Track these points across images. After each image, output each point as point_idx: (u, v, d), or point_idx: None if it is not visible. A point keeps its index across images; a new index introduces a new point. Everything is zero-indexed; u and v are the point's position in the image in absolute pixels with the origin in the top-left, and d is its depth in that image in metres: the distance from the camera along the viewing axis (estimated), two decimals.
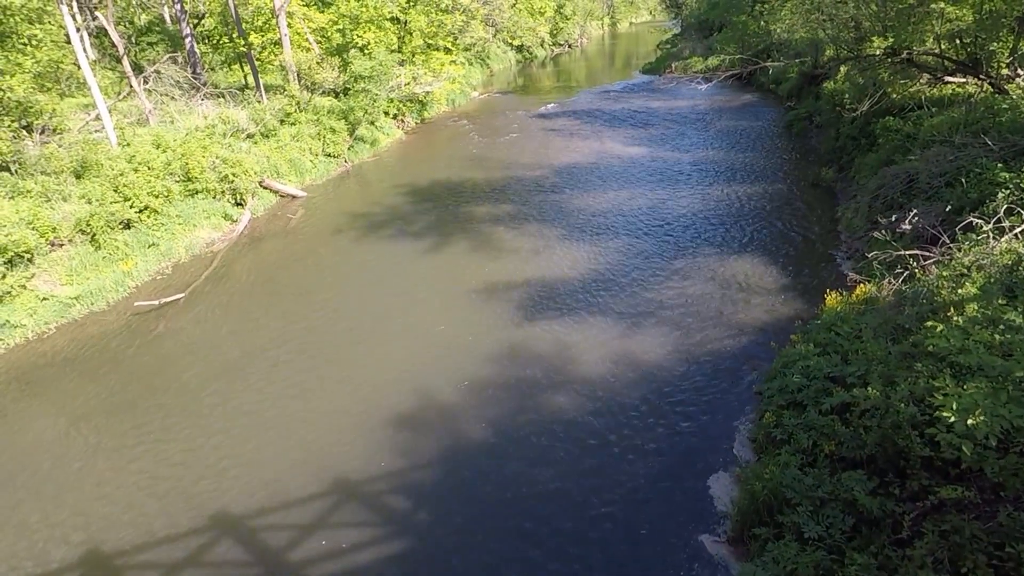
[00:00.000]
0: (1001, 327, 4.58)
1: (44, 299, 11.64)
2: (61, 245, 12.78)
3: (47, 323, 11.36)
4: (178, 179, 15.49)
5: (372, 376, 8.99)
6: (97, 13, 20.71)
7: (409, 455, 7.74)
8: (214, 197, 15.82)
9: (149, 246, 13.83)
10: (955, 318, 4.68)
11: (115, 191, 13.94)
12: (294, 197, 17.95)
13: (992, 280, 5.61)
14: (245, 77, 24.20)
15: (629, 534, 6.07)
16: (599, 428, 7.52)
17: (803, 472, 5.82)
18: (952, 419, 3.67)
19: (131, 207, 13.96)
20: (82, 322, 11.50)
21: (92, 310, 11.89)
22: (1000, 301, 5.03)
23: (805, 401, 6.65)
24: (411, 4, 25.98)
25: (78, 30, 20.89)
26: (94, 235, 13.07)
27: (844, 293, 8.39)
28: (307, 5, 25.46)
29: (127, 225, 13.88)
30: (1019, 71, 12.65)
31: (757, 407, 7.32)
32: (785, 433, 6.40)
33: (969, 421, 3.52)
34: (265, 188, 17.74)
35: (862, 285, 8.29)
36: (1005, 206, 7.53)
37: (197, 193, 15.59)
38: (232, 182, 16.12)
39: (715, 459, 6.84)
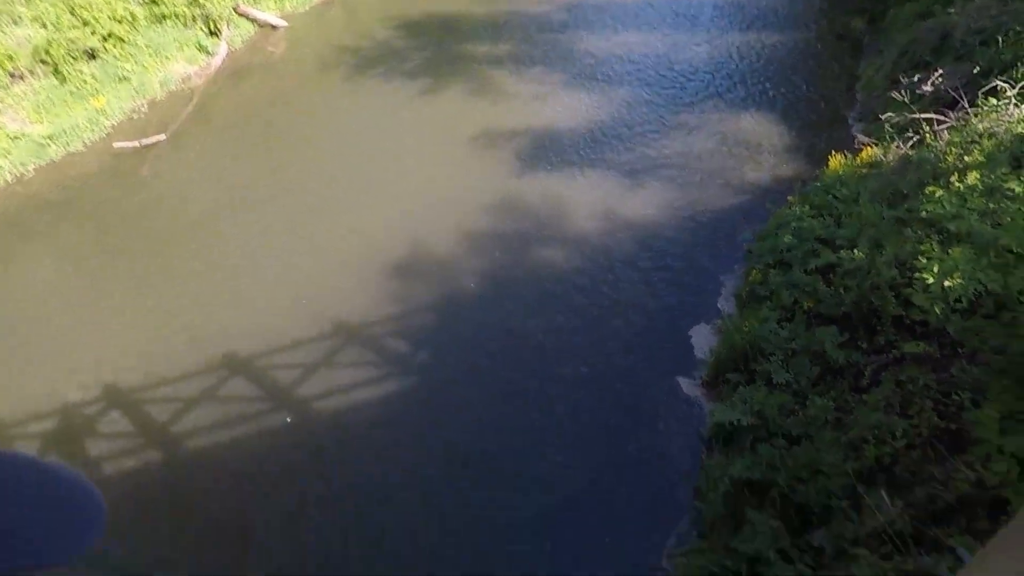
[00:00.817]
0: (998, 196, 4.62)
1: (16, 138, 11.20)
2: (22, 77, 12.00)
3: (24, 164, 11.03)
4: (141, 0, 14.14)
5: (366, 224, 9.06)
6: None
7: (406, 302, 8.09)
8: (184, 24, 14.54)
9: (120, 80, 12.99)
10: (956, 184, 4.70)
11: (71, 13, 12.78)
12: (274, 27, 16.53)
13: (1001, 148, 5.53)
14: None
15: (613, 376, 6.60)
16: (589, 281, 7.81)
17: (780, 326, 6.21)
18: (930, 281, 3.86)
19: (93, 33, 12.89)
20: (60, 164, 11.17)
21: (69, 151, 11.48)
22: (1003, 170, 5.01)
23: (792, 261, 6.87)
24: None
25: None
26: (56, 66, 12.22)
27: (849, 156, 8.27)
28: None
29: (92, 55, 12.93)
30: None
31: (746, 265, 7.57)
32: (768, 290, 6.70)
33: (946, 283, 3.71)
34: (241, 15, 16.27)
35: (869, 148, 8.14)
36: None
37: (165, 19, 14.29)
38: (202, 5, 14.72)
39: (700, 312, 7.22)
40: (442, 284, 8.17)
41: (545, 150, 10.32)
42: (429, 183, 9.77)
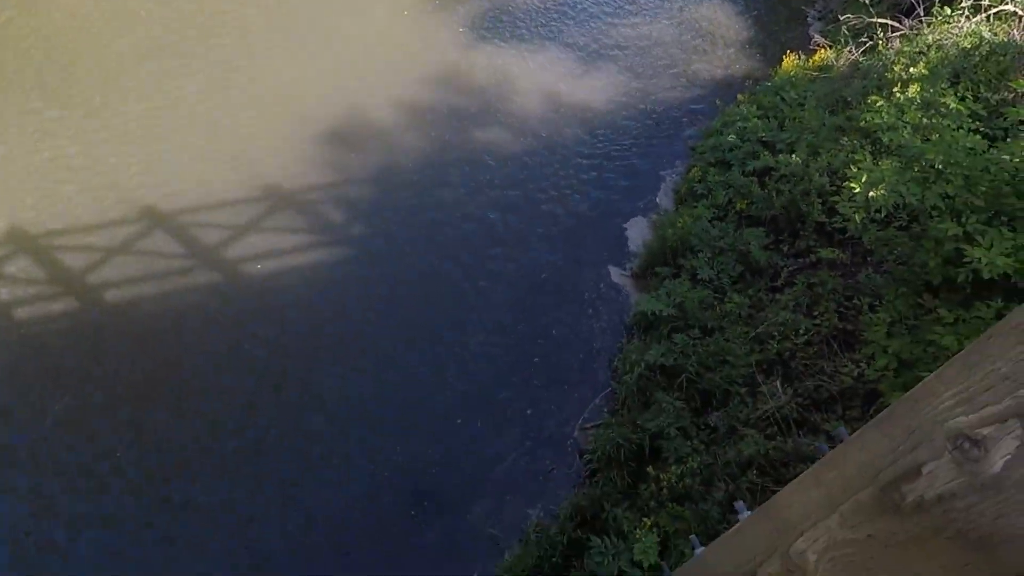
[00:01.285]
0: (932, 111, 4.70)
1: None
2: None
3: None
4: None
5: (302, 85, 8.32)
6: None
7: (343, 170, 7.69)
8: None
9: None
10: (897, 96, 4.73)
11: None
12: None
13: (945, 62, 5.56)
14: None
15: (546, 261, 6.68)
16: (532, 166, 7.64)
17: (712, 224, 6.37)
18: (856, 190, 3.98)
19: None
20: None
21: None
22: (943, 85, 5.07)
23: (733, 161, 6.93)
24: None
25: None
26: None
27: (803, 57, 8.14)
28: None
29: None
30: None
31: (688, 161, 7.58)
32: (706, 188, 6.79)
33: (871, 193, 3.83)
34: None
35: (823, 50, 8.02)
36: None
37: None
38: None
39: (637, 205, 7.28)
40: (379, 157, 7.78)
41: (497, 21, 9.57)
42: (371, 47, 8.95)
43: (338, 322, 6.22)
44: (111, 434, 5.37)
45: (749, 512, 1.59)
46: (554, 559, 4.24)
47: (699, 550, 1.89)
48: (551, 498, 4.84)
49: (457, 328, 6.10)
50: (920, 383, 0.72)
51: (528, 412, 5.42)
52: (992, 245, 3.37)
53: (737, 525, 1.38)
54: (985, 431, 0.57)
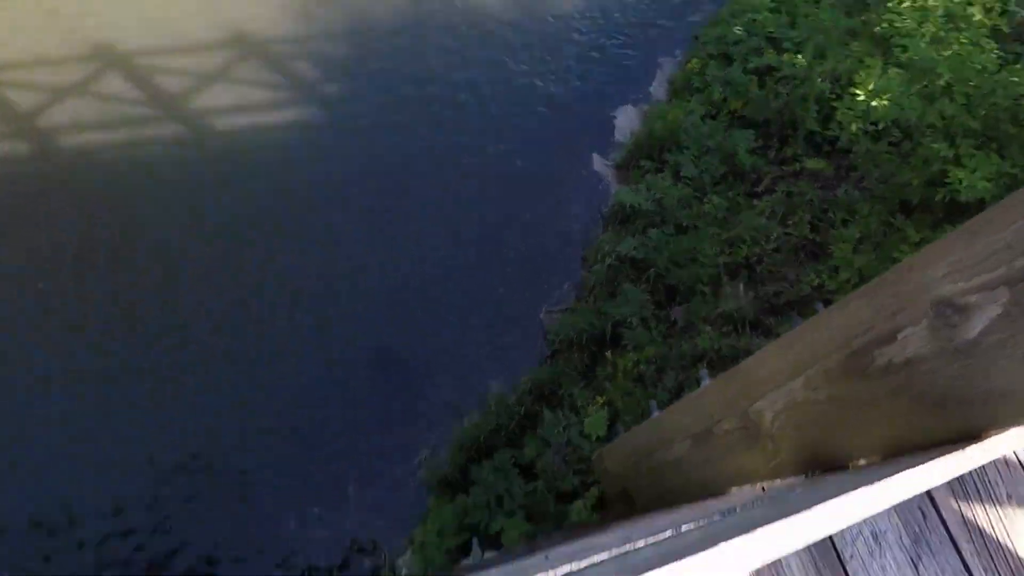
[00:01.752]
0: (952, 25, 4.49)
1: None
2: None
3: None
4: None
5: None
6: None
7: (316, 23, 7.10)
8: None
9: None
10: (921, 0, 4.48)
11: None
12: None
13: None
14: None
15: (527, 142, 6.48)
16: (522, 40, 7.17)
17: (703, 121, 6.20)
18: (861, 97, 3.87)
19: None
20: None
21: None
22: None
23: (735, 56, 6.61)
24: None
25: None
26: None
27: None
28: None
29: None
30: None
31: (688, 50, 7.20)
32: (703, 82, 6.52)
33: (874, 102, 3.74)
34: None
35: None
36: None
37: None
38: None
39: (630, 94, 6.99)
40: (354, 13, 7.16)
41: None
42: None
43: (307, 192, 6.02)
44: (55, 294, 5.27)
45: (710, 380, 1.69)
46: (510, 426, 4.52)
47: (656, 413, 2.01)
48: (512, 373, 5.06)
49: (431, 206, 5.99)
50: (918, 252, 0.74)
51: (497, 292, 5.50)
52: (976, 169, 3.38)
53: (699, 389, 1.47)
54: (972, 298, 0.58)
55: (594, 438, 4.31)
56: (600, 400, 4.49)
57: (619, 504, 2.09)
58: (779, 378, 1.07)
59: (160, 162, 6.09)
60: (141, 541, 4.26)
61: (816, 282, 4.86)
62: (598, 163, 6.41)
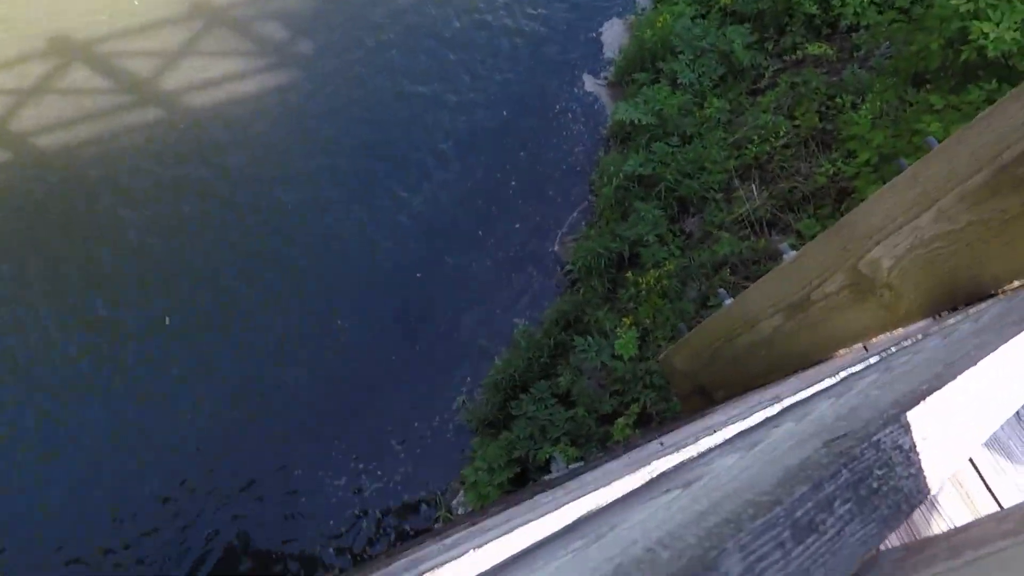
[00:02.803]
0: None
1: None
2: None
3: None
4: None
5: None
6: None
7: None
8: None
9: None
10: None
11: None
12: None
13: None
14: None
15: (515, 71, 6.24)
16: None
17: (693, 23, 5.92)
18: None
19: None
20: None
21: None
22: None
23: None
24: None
25: None
26: None
27: None
28: None
29: None
30: None
31: None
32: None
33: None
34: None
35: None
36: None
37: None
38: None
39: (614, 6, 6.67)
40: None
41: None
42: None
43: (294, 152, 5.87)
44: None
45: (792, 252, 1.61)
46: (542, 359, 4.53)
47: (727, 301, 1.94)
48: (536, 308, 5.04)
49: (427, 152, 5.83)
50: None
51: (507, 231, 5.42)
52: (1001, 20, 3.19)
53: (790, 258, 1.40)
54: None
55: (626, 358, 4.31)
56: (627, 321, 4.48)
57: (694, 399, 2.07)
58: (899, 220, 1.00)
59: (135, 149, 5.93)
60: (186, 523, 4.38)
61: (831, 171, 4.73)
62: (590, 83, 6.19)
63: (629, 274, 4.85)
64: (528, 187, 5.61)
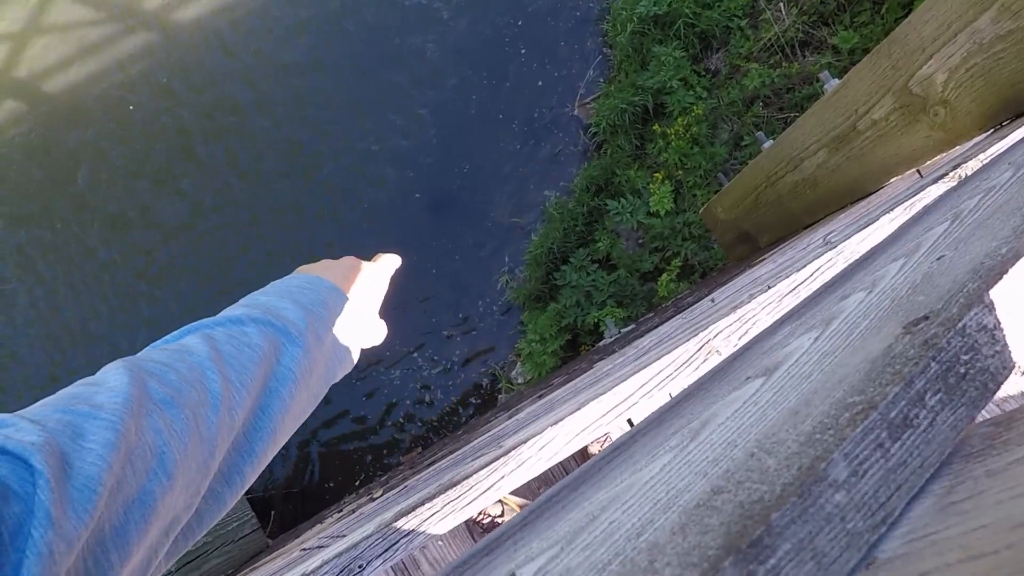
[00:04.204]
0: None
1: None
2: None
3: None
4: None
5: None
6: None
7: None
8: None
9: None
10: None
11: None
12: None
13: None
14: None
15: None
16: None
17: None
18: None
19: None
20: None
21: None
22: None
23: None
24: None
25: None
26: None
27: None
28: None
29: None
30: None
31: None
32: None
33: None
34: None
35: None
36: None
37: None
38: None
39: None
40: None
41: None
42: None
43: (302, 57, 5.59)
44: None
45: (833, 80, 1.52)
46: (578, 227, 4.54)
47: (766, 144, 1.87)
48: (564, 177, 4.96)
49: (425, 33, 5.47)
50: None
51: (522, 101, 5.19)
52: None
53: (831, 89, 1.33)
54: None
55: (662, 213, 4.28)
56: (659, 176, 4.37)
57: (739, 248, 2.07)
58: (954, 26, 0.91)
59: (147, 73, 5.78)
60: None
61: None
62: None
63: (656, 126, 4.65)
64: (538, 50, 5.26)
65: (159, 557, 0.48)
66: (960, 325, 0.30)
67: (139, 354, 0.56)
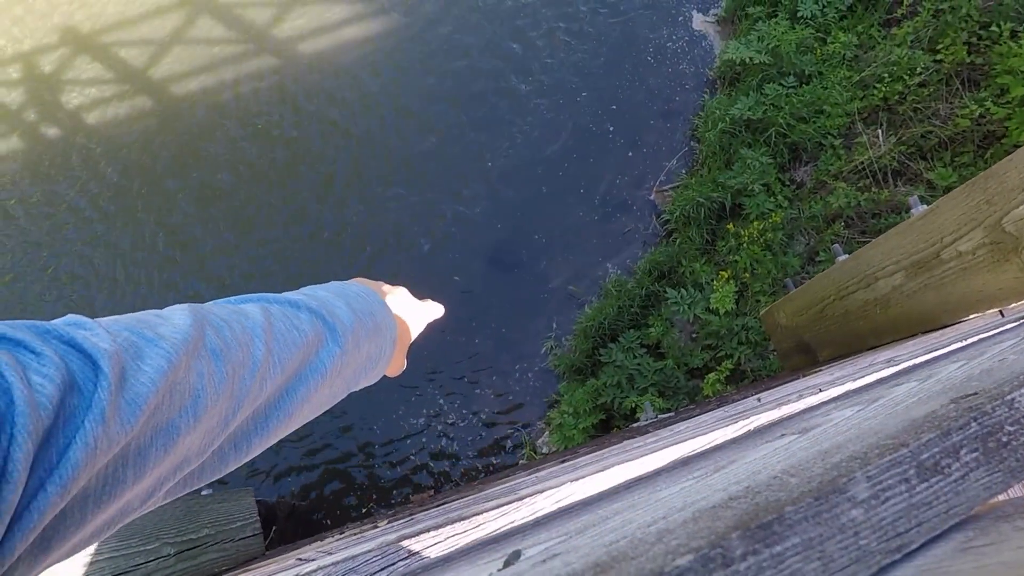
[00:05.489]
0: None
1: None
2: None
3: None
4: None
5: None
6: None
7: None
8: None
9: None
10: None
11: None
12: None
13: None
14: None
15: (622, 5, 5.94)
16: None
17: None
18: None
19: None
20: None
21: None
22: None
23: None
24: None
25: None
26: None
27: None
28: None
29: None
30: None
31: None
32: None
33: None
34: None
35: None
36: None
37: None
38: None
39: None
40: None
41: None
42: None
43: (402, 104, 5.99)
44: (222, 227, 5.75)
45: (922, 205, 1.50)
46: (633, 309, 4.50)
47: (841, 257, 1.84)
48: (628, 257, 4.97)
49: (523, 99, 5.76)
50: None
51: (603, 178, 5.31)
52: None
53: (919, 212, 1.31)
54: None
55: (722, 312, 4.19)
56: (725, 274, 4.32)
57: (796, 358, 2.00)
58: None
59: (262, 91, 6.31)
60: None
61: (977, 112, 4.19)
62: (699, 21, 5.78)
63: (730, 225, 4.64)
64: (626, 132, 5.43)
65: (161, 491, 0.50)
66: (1009, 398, 0.29)
67: (205, 304, 0.60)
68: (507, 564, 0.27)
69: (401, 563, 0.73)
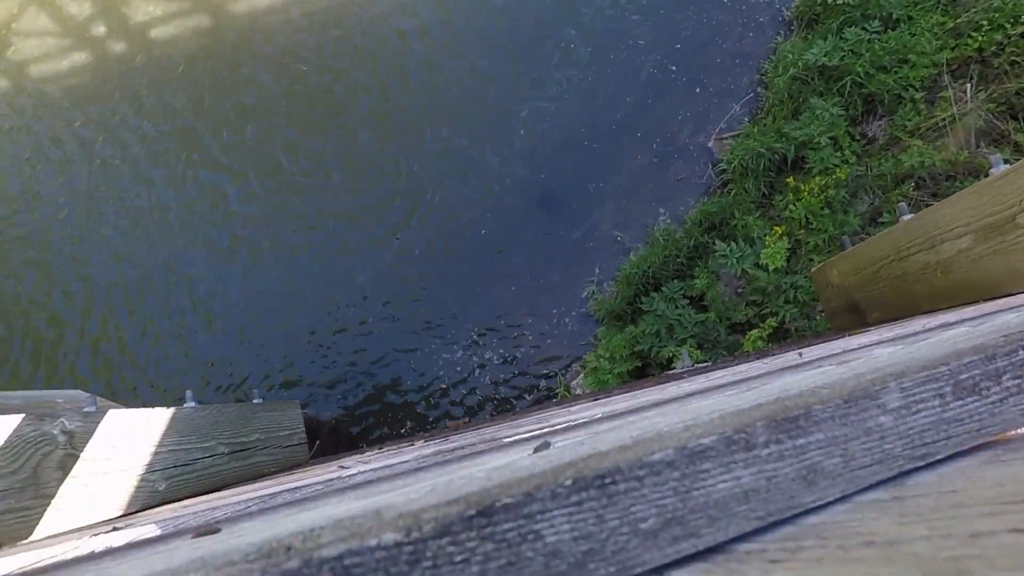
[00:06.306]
0: None
1: None
2: None
3: None
4: None
5: None
6: None
7: None
8: None
9: None
10: None
11: None
12: None
13: None
14: None
15: None
16: None
17: None
18: None
19: None
20: None
21: None
22: None
23: None
24: None
25: None
26: None
27: None
28: None
29: None
30: None
31: None
32: None
33: None
34: None
35: None
36: None
37: None
38: None
39: None
40: None
41: None
42: None
43: (452, 41, 5.83)
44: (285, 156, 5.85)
45: (1005, 166, 1.40)
46: (679, 258, 4.43)
47: (906, 217, 1.75)
48: (679, 205, 4.85)
49: (586, 40, 5.52)
50: None
51: (662, 120, 5.12)
52: None
53: (999, 171, 1.23)
54: None
55: (771, 269, 4.08)
56: (779, 230, 4.17)
57: (843, 317, 1.95)
58: None
59: (316, 25, 6.25)
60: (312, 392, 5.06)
61: None
62: None
63: (790, 179, 4.44)
64: (690, 73, 5.17)
65: None
66: None
67: None
68: (537, 451, 0.29)
69: (435, 467, 0.78)
